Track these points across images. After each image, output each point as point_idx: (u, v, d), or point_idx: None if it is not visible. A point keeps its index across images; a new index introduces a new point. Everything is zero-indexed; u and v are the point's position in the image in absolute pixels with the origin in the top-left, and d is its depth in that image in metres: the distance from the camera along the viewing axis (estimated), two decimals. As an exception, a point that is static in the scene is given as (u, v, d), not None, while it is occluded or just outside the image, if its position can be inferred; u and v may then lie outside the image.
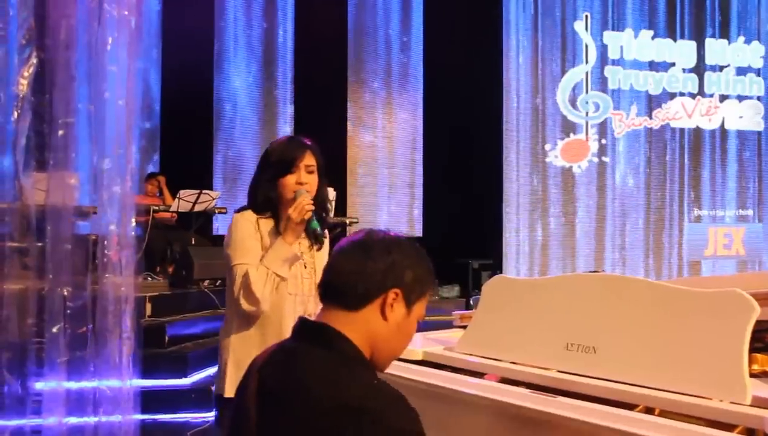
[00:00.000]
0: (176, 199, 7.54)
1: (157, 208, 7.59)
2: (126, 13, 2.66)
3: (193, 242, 7.70)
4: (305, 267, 2.48)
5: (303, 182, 2.41)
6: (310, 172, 2.44)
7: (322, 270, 1.55)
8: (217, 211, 8.20)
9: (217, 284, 6.80)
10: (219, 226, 8.92)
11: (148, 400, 4.07)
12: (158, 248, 7.59)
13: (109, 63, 2.76)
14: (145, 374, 3.76)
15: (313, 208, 2.38)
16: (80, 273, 2.81)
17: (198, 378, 5.24)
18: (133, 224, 2.92)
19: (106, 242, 2.81)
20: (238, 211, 2.50)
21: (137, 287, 3.07)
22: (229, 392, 2.44)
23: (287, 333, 2.31)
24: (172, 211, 7.71)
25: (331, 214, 2.56)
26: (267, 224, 2.45)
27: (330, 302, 1.48)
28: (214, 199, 7.85)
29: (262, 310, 2.38)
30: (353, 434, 1.32)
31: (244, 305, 2.37)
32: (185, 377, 5.15)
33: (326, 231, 2.54)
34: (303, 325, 1.51)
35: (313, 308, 2.45)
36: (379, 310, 1.46)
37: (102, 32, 2.73)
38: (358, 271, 1.45)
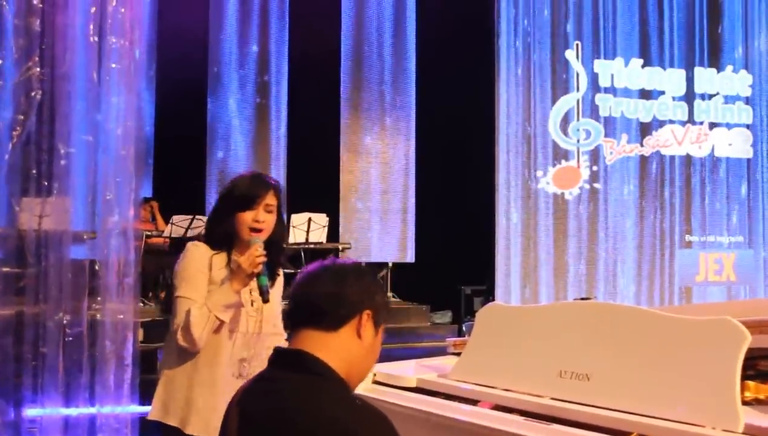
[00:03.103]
0: (169, 225, 7.54)
1: (149, 233, 7.58)
2: (128, 44, 2.70)
3: (186, 268, 7.67)
4: (252, 304, 2.50)
5: (260, 220, 2.44)
6: (269, 212, 2.48)
7: (278, 305, 1.61)
8: (210, 237, 8.17)
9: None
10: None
11: (142, 426, 4.04)
12: (150, 273, 7.57)
13: (111, 94, 2.80)
14: (139, 400, 3.75)
15: (263, 261, 2.39)
16: (78, 299, 2.81)
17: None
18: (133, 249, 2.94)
19: (106, 268, 2.82)
20: (193, 240, 2.54)
21: (136, 313, 3.08)
22: (154, 415, 2.47)
23: (221, 367, 2.37)
24: (165, 237, 7.70)
25: (287, 241, 2.60)
26: (220, 258, 2.48)
27: (304, 327, 1.53)
28: (207, 224, 7.84)
29: (196, 349, 2.41)
30: None
31: (181, 341, 2.40)
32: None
33: (280, 270, 2.59)
34: (278, 353, 1.56)
35: (256, 345, 2.47)
36: (354, 330, 1.53)
37: (104, 64, 2.77)
38: (337, 294, 1.52)
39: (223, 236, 2.48)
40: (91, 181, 2.93)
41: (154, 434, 2.51)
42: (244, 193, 2.46)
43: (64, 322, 2.79)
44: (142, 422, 2.51)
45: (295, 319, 1.56)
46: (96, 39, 2.79)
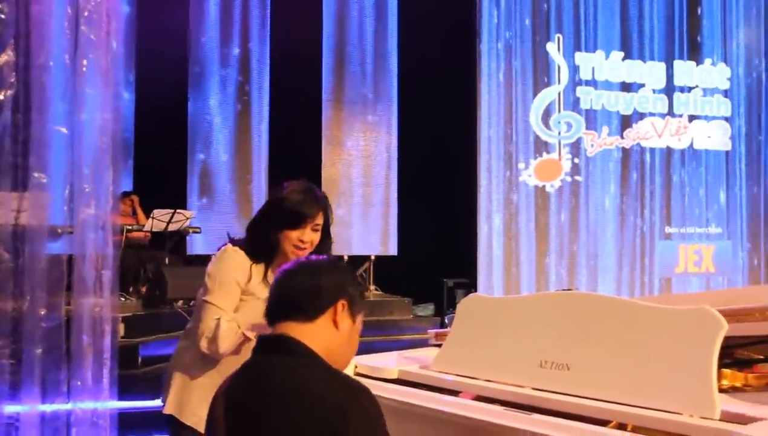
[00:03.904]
0: (150, 219, 7.49)
1: (130, 227, 7.53)
2: (104, 35, 2.67)
3: (166, 262, 7.64)
4: None
5: (305, 241, 2.43)
6: (315, 231, 2.46)
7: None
8: (191, 231, 8.15)
9: (191, 303, 6.75)
10: (193, 245, 8.87)
11: (122, 422, 4.02)
12: (131, 267, 7.52)
13: (86, 85, 2.76)
14: (119, 395, 3.72)
15: None
16: (55, 293, 2.78)
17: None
18: (112, 243, 2.91)
19: (84, 262, 2.79)
20: (234, 243, 2.49)
21: (115, 307, 3.05)
22: (170, 410, 2.50)
23: None
24: (146, 231, 7.65)
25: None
26: (258, 270, 2.47)
27: (283, 319, 1.61)
28: (188, 218, 7.81)
29: (219, 358, 2.41)
30: (330, 426, 1.41)
31: (204, 348, 2.39)
32: (159, 398, 5.07)
33: None
34: (262, 340, 1.63)
35: None
36: (331, 319, 1.61)
37: (79, 55, 2.73)
38: (312, 286, 1.62)
39: (265, 249, 2.46)
40: (68, 174, 2.90)
41: (162, 425, 2.52)
42: (295, 210, 2.43)
43: (42, 316, 2.76)
44: (153, 415, 2.53)
45: (274, 314, 1.63)
46: (72, 29, 2.75)
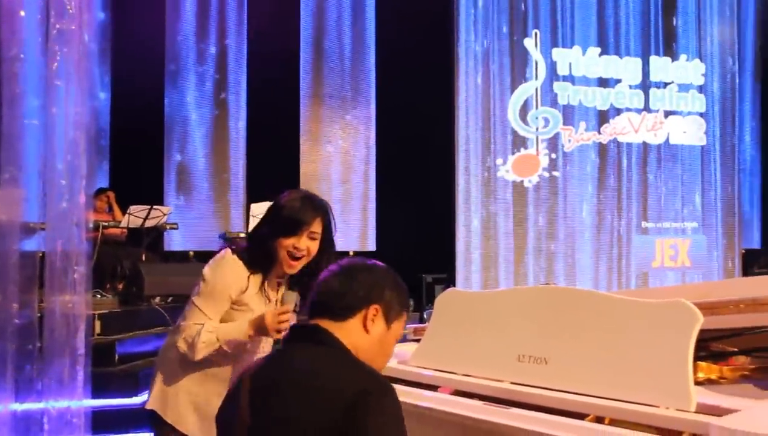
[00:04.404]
0: (126, 215, 7.43)
1: (106, 224, 7.46)
2: (73, 27, 2.63)
3: (143, 258, 7.58)
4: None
5: (300, 248, 2.37)
6: (312, 239, 2.40)
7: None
8: (168, 227, 8.09)
9: (169, 300, 6.70)
10: (171, 242, 8.80)
11: (98, 420, 3.97)
12: (108, 264, 7.45)
13: (57, 78, 2.72)
14: (95, 393, 3.68)
15: (287, 328, 2.27)
16: (28, 290, 2.74)
17: (149, 397, 5.14)
18: (85, 240, 2.88)
19: (57, 258, 2.75)
20: (234, 250, 2.44)
21: (88, 304, 3.01)
22: (153, 405, 2.47)
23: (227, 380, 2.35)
24: (122, 227, 7.58)
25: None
26: (255, 280, 2.42)
27: (317, 317, 1.62)
28: (165, 214, 7.75)
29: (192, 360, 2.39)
30: (347, 415, 1.40)
31: (181, 347, 2.38)
32: (136, 395, 5.05)
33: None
34: (294, 329, 1.66)
35: None
36: (361, 322, 1.61)
37: (51, 48, 2.69)
38: (345, 287, 1.63)
39: (262, 259, 2.40)
40: (41, 169, 2.85)
41: (139, 422, 2.50)
42: (290, 217, 2.37)
43: (14, 313, 2.72)
44: (130, 413, 2.53)
45: (310, 309, 1.65)
46: (44, 22, 2.71)
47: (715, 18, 10.16)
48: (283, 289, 2.51)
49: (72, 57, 2.70)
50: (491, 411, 1.89)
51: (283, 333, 2.24)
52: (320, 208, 2.44)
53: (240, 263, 2.40)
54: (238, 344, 2.37)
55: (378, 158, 9.34)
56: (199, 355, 2.35)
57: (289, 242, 2.36)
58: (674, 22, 9.98)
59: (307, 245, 2.38)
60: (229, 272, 2.39)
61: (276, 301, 2.47)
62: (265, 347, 2.52)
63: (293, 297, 2.40)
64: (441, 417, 1.97)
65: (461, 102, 9.17)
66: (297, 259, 2.38)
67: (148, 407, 2.49)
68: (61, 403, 2.83)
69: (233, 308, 2.40)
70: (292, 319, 2.35)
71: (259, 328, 2.33)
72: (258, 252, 2.41)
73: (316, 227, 2.40)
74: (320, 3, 9.33)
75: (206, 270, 2.42)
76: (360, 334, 1.61)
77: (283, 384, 1.49)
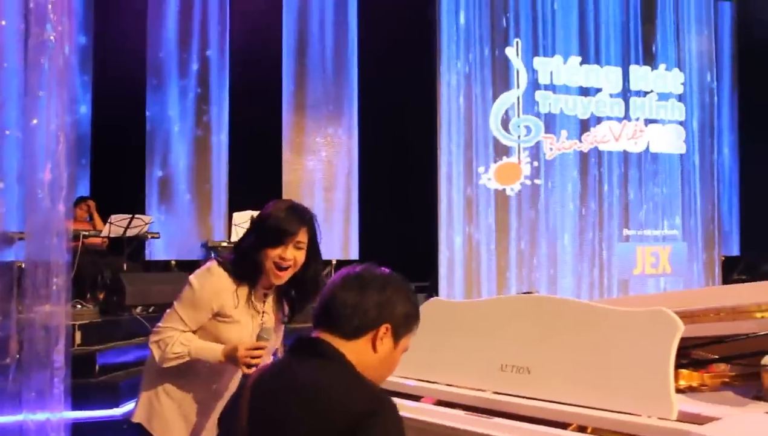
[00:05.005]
0: (107, 224, 7.37)
1: (87, 233, 7.40)
2: (52, 38, 2.61)
3: (125, 268, 7.52)
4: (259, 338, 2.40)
5: (286, 258, 2.34)
6: (299, 249, 2.37)
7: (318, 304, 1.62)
8: (150, 236, 8.04)
9: (150, 310, 6.65)
10: (152, 251, 8.75)
11: (78, 432, 3.94)
12: (88, 274, 7.38)
13: (38, 88, 2.69)
14: (75, 405, 3.64)
15: (258, 363, 2.25)
16: (5, 300, 2.71)
17: (130, 408, 5.07)
18: (65, 250, 2.85)
19: (36, 268, 2.72)
20: (220, 264, 2.41)
21: (68, 315, 2.98)
22: (139, 418, 2.45)
23: (223, 393, 2.33)
24: (103, 237, 7.52)
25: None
26: (242, 293, 2.40)
27: (324, 329, 1.56)
28: (146, 223, 7.70)
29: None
30: (347, 434, 1.38)
31: (152, 349, 2.39)
32: (117, 407, 5.01)
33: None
34: (298, 341, 1.58)
35: None
36: (370, 342, 1.56)
37: (32, 57, 2.67)
38: (355, 304, 1.55)
39: (249, 271, 2.38)
40: (20, 179, 2.83)
41: (119, 434, 2.47)
42: (276, 227, 2.34)
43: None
44: (111, 424, 2.51)
45: (317, 321, 1.59)
46: (24, 29, 2.69)
47: (693, 28, 10.29)
48: (271, 300, 2.49)
49: (53, 67, 2.68)
50: (474, 421, 1.89)
51: (254, 369, 2.18)
52: (306, 218, 2.42)
53: (226, 275, 2.38)
54: (212, 363, 2.36)
55: (360, 167, 9.34)
56: (167, 364, 2.34)
57: (275, 252, 2.34)
58: (653, 32, 10.09)
59: (293, 254, 2.36)
60: (214, 284, 2.37)
61: (263, 313, 2.45)
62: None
63: (270, 333, 2.37)
64: (424, 427, 1.96)
65: (443, 110, 9.20)
66: (284, 269, 2.36)
67: (134, 420, 2.47)
68: (40, 415, 2.80)
69: (218, 320, 2.38)
70: (266, 357, 2.32)
71: (231, 358, 2.31)
72: (244, 263, 2.38)
73: (302, 237, 2.38)
74: (302, 15, 9.34)
75: (192, 278, 2.40)
76: (368, 353, 1.56)
77: (287, 400, 1.46)
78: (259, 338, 2.34)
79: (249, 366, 2.25)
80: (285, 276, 2.38)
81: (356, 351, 1.54)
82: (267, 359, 2.32)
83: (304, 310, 2.49)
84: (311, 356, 1.52)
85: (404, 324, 1.61)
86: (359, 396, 1.44)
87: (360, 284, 1.58)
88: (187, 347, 2.32)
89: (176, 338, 2.33)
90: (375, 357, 1.56)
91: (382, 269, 1.65)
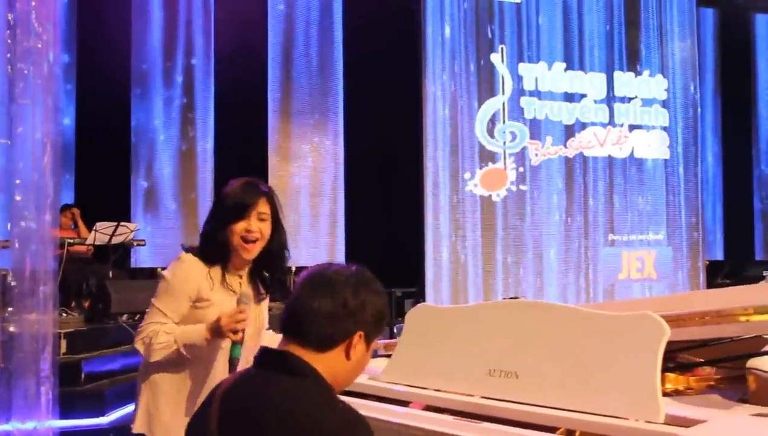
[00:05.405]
0: (92, 232, 7.32)
1: (71, 241, 7.35)
2: (39, 46, 2.60)
3: (110, 276, 7.48)
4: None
5: (252, 230, 2.37)
6: (262, 220, 2.40)
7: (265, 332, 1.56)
8: (135, 244, 8.00)
9: (136, 318, 6.61)
10: (138, 258, 8.70)
11: (64, 441, 3.92)
12: (73, 282, 7.34)
13: (23, 97, 2.68)
14: (61, 413, 3.62)
15: (244, 328, 2.27)
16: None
17: (117, 416, 5.07)
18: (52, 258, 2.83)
19: (22, 277, 2.70)
20: (189, 250, 2.44)
21: (55, 323, 2.96)
22: (139, 428, 2.43)
23: (214, 380, 2.32)
24: (88, 244, 7.48)
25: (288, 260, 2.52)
26: (216, 274, 2.41)
27: (293, 340, 1.49)
28: (132, 231, 7.66)
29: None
30: None
31: (138, 348, 2.38)
32: (103, 415, 4.98)
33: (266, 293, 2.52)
34: (266, 353, 1.51)
35: (248, 357, 2.43)
36: (344, 352, 1.49)
37: (16, 64, 2.66)
38: (327, 314, 1.47)
39: (217, 251, 2.39)
40: (5, 187, 2.81)
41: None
42: (235, 202, 2.37)
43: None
44: (97, 432, 2.49)
45: (286, 327, 1.52)
46: (9, 38, 2.67)
47: (676, 34, 10.38)
48: (245, 279, 2.49)
49: (39, 76, 2.67)
50: (462, 426, 1.90)
51: (240, 334, 2.24)
52: (263, 189, 2.45)
53: (196, 260, 2.41)
54: (196, 348, 2.34)
55: (346, 173, 9.35)
56: (156, 356, 2.33)
57: (240, 226, 2.37)
58: (637, 39, 10.18)
59: (258, 226, 2.39)
60: (186, 270, 2.39)
61: (239, 294, 2.44)
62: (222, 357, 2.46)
63: (249, 297, 2.39)
64: (412, 433, 1.97)
65: (429, 117, 9.23)
66: (251, 242, 2.38)
67: (135, 431, 2.45)
68: (28, 424, 2.78)
69: (198, 307, 2.39)
70: (249, 322, 2.32)
71: (215, 330, 2.31)
72: (212, 245, 2.41)
73: (263, 208, 2.41)
74: (288, 23, 9.35)
75: (165, 271, 2.45)
76: (340, 362, 1.50)
77: (258, 419, 1.42)
78: (239, 302, 2.34)
79: (235, 332, 2.25)
80: (254, 249, 2.40)
81: (329, 363, 1.48)
82: (249, 327, 2.32)
83: (277, 283, 2.51)
84: (281, 372, 1.45)
85: (376, 327, 1.53)
86: (333, 417, 1.40)
87: (331, 290, 1.48)
88: (171, 334, 2.32)
89: (159, 330, 2.33)
90: (348, 364, 1.51)
91: (351, 267, 1.56)
